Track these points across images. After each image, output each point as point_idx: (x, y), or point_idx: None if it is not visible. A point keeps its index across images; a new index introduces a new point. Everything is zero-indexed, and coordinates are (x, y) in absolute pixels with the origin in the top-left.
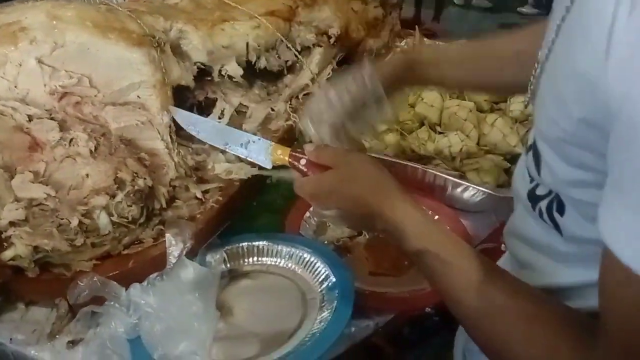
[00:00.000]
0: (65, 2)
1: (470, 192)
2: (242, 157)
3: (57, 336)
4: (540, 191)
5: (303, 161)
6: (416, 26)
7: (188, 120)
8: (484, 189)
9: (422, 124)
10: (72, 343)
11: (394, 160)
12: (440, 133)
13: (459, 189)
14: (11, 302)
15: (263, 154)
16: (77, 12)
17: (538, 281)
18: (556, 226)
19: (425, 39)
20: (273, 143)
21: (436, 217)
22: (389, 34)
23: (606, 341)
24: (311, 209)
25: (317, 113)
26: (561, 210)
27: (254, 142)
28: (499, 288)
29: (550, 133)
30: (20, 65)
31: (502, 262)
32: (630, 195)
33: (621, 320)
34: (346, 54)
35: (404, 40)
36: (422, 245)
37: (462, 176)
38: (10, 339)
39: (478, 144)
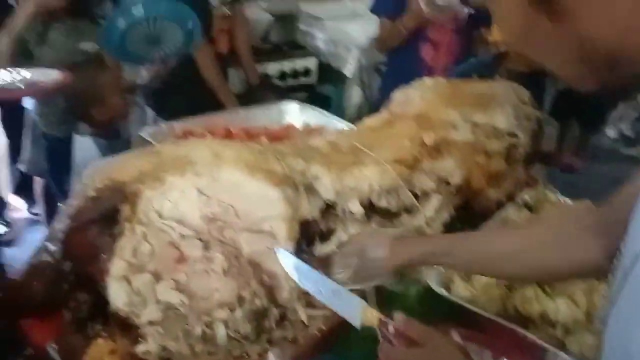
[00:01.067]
0: (228, 142)
1: None
2: (333, 310)
3: None
4: None
5: (391, 328)
6: (538, 179)
7: (291, 263)
8: None
9: None
10: None
11: (493, 318)
12: (547, 293)
13: (556, 358)
14: None
15: (354, 312)
16: (235, 152)
17: None
18: None
19: (548, 192)
20: (365, 304)
21: None
22: (513, 185)
23: None
24: None
25: None
26: None
27: (346, 297)
28: None
29: None
30: (183, 192)
31: None
32: None
33: None
34: (465, 201)
35: (527, 192)
36: None
37: (564, 346)
38: None
39: (586, 313)
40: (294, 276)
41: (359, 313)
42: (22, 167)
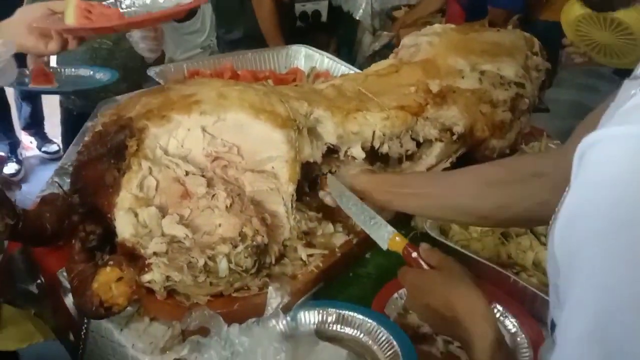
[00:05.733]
0: (233, 82)
1: None
2: (365, 231)
3: (167, 352)
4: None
5: (414, 255)
6: (544, 132)
7: (338, 189)
8: None
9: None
10: None
11: (486, 262)
12: (544, 244)
13: (547, 304)
14: (140, 314)
15: (384, 236)
16: (240, 93)
17: None
18: None
19: (552, 145)
20: (395, 231)
21: (518, 326)
22: (515, 136)
23: None
24: (400, 291)
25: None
26: None
27: (380, 224)
28: None
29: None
30: (189, 130)
31: None
32: (557, 348)
33: None
34: (468, 149)
35: (532, 144)
36: (482, 358)
37: None
38: (133, 345)
39: None
40: (338, 199)
41: (388, 238)
42: None
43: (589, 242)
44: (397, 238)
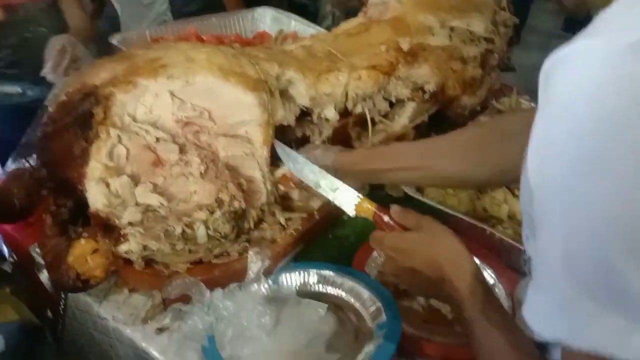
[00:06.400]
0: (200, 45)
1: None
2: (330, 200)
3: (149, 322)
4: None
5: (386, 218)
6: (514, 88)
7: (289, 156)
8: None
9: None
10: (160, 330)
11: (463, 217)
12: (517, 196)
13: (524, 255)
14: (118, 286)
15: (349, 203)
16: (208, 56)
17: None
18: None
19: (522, 100)
20: (361, 196)
21: (496, 277)
22: (485, 92)
23: None
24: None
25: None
26: None
27: (344, 190)
28: None
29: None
30: (157, 95)
31: None
32: (535, 276)
33: None
34: (440, 108)
35: (502, 99)
36: (473, 314)
37: None
38: (113, 317)
39: None
40: (292, 168)
41: (355, 205)
42: None
43: (562, 166)
44: (364, 203)
